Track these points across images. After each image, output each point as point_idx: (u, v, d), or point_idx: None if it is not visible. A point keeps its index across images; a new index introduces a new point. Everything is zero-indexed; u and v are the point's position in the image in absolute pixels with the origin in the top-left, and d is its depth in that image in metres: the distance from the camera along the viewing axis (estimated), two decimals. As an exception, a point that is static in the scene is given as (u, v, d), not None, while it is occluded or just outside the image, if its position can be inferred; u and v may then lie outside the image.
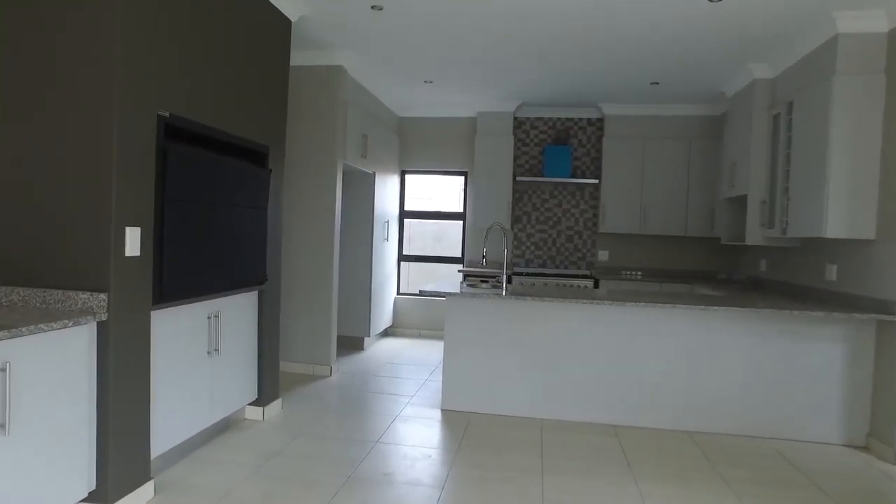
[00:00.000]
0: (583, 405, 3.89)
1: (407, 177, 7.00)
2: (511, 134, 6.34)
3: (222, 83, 3.05)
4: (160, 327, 2.63)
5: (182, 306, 2.80)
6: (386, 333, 6.74)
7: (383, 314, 6.42)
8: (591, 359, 3.88)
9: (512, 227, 6.46)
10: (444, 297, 3.93)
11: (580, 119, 6.52)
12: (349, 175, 5.87)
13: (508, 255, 4.03)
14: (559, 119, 6.54)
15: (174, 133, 2.64)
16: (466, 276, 6.17)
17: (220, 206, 2.99)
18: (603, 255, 6.52)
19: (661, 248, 6.43)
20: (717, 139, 5.92)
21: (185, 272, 2.70)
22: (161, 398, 2.67)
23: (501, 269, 6.36)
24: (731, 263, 6.13)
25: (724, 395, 3.74)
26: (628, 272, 6.40)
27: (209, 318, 3.05)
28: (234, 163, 3.12)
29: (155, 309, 2.56)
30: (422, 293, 3.87)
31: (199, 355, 2.97)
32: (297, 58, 4.74)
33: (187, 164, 2.67)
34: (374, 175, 5.86)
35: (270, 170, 3.53)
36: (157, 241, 2.52)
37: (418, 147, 6.83)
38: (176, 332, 2.77)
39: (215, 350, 3.10)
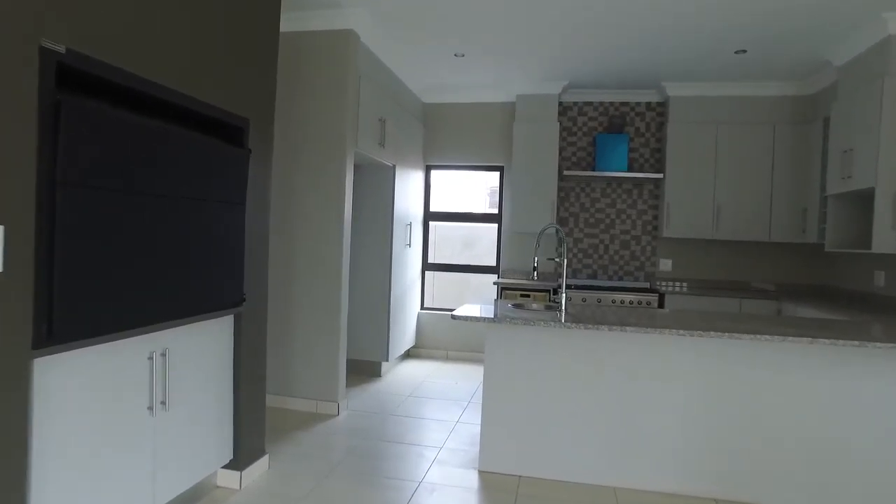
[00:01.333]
0: (673, 470, 2.87)
1: (433, 172, 6.05)
2: (556, 121, 5.35)
3: (172, 18, 2.13)
4: (56, 380, 1.71)
5: (100, 346, 1.88)
6: (407, 355, 5.79)
7: (404, 333, 5.47)
8: (687, 408, 2.86)
9: (556, 232, 5.46)
10: (481, 321, 2.94)
11: (637, 103, 5.49)
12: (363, 168, 4.94)
13: (564, 267, 3.04)
14: (612, 103, 5.53)
15: (75, 81, 1.73)
16: (504, 289, 5.19)
17: (166, 198, 2.07)
18: (665, 265, 5.47)
19: (737, 256, 5.35)
20: (810, 123, 4.84)
21: (96, 296, 1.77)
22: (54, 487, 1.74)
23: (553, 281, 5.36)
24: (827, 275, 5.02)
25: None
26: (697, 285, 5.34)
27: (151, 358, 2.12)
28: (192, 138, 2.21)
29: (42, 355, 1.64)
30: (454, 317, 2.90)
31: (132, 413, 2.05)
32: (297, 20, 3.83)
33: (98, 128, 1.75)
34: (393, 169, 4.92)
35: (249, 150, 2.61)
36: (40, 249, 1.60)
37: (446, 138, 5.88)
38: (88, 384, 1.85)
39: (161, 403, 2.18)
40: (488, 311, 3.06)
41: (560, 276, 5.54)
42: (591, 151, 5.57)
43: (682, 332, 2.63)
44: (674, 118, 5.18)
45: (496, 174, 5.91)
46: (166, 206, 2.08)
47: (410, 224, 5.46)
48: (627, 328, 2.68)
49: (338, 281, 3.87)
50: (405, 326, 5.49)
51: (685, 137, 5.11)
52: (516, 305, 3.29)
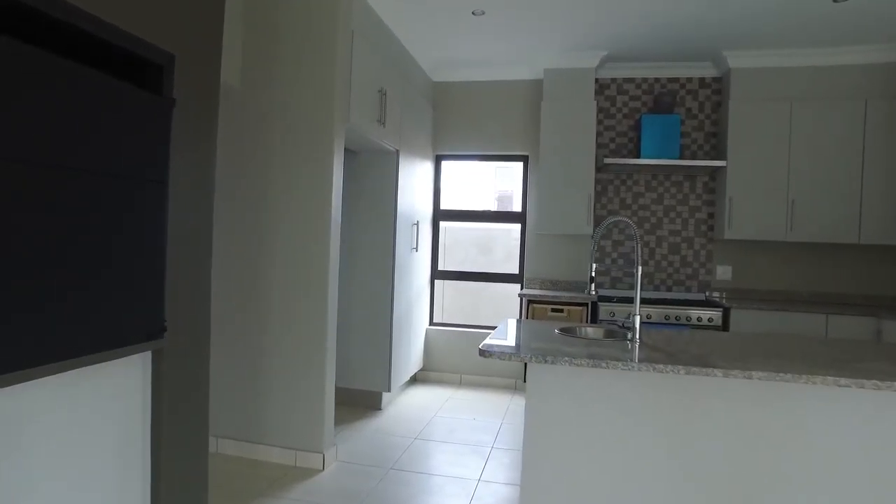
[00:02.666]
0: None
1: (443, 164, 5.15)
2: (592, 99, 4.44)
3: None
4: None
5: None
6: (414, 380, 4.87)
7: (410, 355, 4.56)
8: (821, 487, 1.93)
9: (593, 233, 4.54)
10: (523, 358, 2.01)
11: (689, 79, 4.58)
12: (360, 156, 4.05)
13: (639, 279, 2.09)
14: (658, 79, 4.62)
15: None
16: (531, 302, 4.27)
17: (23, 165, 1.18)
18: (723, 272, 4.54)
19: (817, 262, 4.41)
20: (912, 98, 3.92)
21: None
22: None
23: (582, 291, 4.44)
24: (930, 285, 4.08)
25: None
26: (765, 297, 4.41)
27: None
28: (68, 70, 1.32)
29: None
30: (484, 352, 1.98)
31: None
32: (272, -45, 2.96)
33: None
34: (396, 155, 4.03)
35: (172, 100, 1.71)
36: None
37: (460, 122, 4.98)
38: None
39: (-6, 514, 1.28)
40: (530, 341, 2.15)
41: (599, 285, 4.63)
42: (632, 137, 4.66)
43: (816, 381, 1.70)
44: (737, 95, 4.26)
45: (518, 165, 5.01)
46: (22, 180, 1.20)
47: (417, 224, 4.56)
48: (729, 372, 1.75)
49: (323, 294, 2.98)
50: (411, 347, 4.58)
51: (751, 118, 4.19)
52: (564, 331, 2.38)
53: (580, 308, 4.18)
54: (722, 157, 4.33)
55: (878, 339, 3.77)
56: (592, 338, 2.37)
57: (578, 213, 4.39)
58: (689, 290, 4.58)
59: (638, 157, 4.39)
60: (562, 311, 4.21)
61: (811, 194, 4.12)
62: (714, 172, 4.49)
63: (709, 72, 4.53)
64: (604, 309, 4.12)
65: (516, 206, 5.03)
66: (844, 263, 4.36)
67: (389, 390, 4.06)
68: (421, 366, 4.92)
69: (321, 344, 2.99)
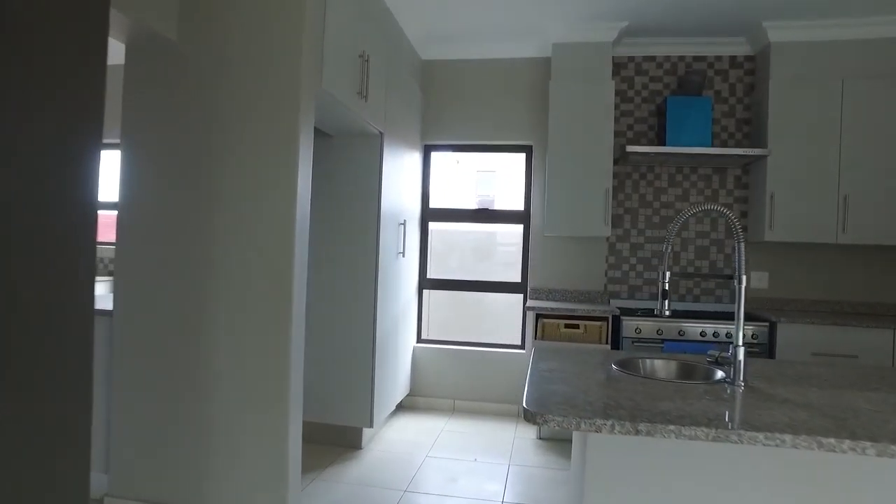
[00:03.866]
0: None
1: (434, 155, 4.47)
2: (610, 79, 3.80)
3: None
4: None
5: None
6: (400, 407, 4.16)
7: (396, 380, 3.85)
8: None
9: (608, 236, 3.89)
10: (589, 425, 1.31)
11: (718, 57, 3.98)
12: (335, 136, 3.35)
13: (741, 292, 1.50)
14: (682, 58, 4.01)
15: None
16: (540, 316, 3.60)
17: None
18: (759, 280, 3.93)
19: (867, 268, 3.83)
20: (983, 77, 3.37)
21: None
22: None
23: (599, 301, 3.78)
24: None
25: None
26: (812, 308, 3.81)
27: None
28: None
29: None
30: (534, 416, 1.27)
31: None
32: None
33: None
34: (381, 139, 3.33)
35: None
36: None
37: (453, 107, 4.30)
38: None
39: None
40: (587, 387, 1.46)
41: (605, 294, 3.98)
42: (653, 123, 4.03)
43: None
44: (777, 74, 3.66)
45: (521, 157, 4.34)
46: None
47: (405, 224, 3.86)
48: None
49: (286, 313, 2.26)
50: (397, 370, 3.86)
51: (794, 101, 3.59)
52: (622, 364, 1.70)
53: (599, 323, 3.52)
54: (757, 146, 3.73)
55: (954, 360, 3.19)
56: (668, 378, 1.69)
57: (594, 211, 3.73)
58: (719, 300, 3.96)
59: (663, 145, 3.76)
60: (577, 326, 3.54)
61: (867, 189, 3.53)
62: (748, 165, 3.89)
63: (741, 49, 3.93)
64: (627, 325, 3.46)
65: (504, 206, 4.36)
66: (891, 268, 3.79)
67: (371, 425, 3.34)
68: (408, 391, 4.21)
69: (283, 373, 2.26)
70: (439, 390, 4.24)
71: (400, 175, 3.73)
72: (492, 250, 4.47)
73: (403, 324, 3.99)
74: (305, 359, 3.26)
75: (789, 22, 3.59)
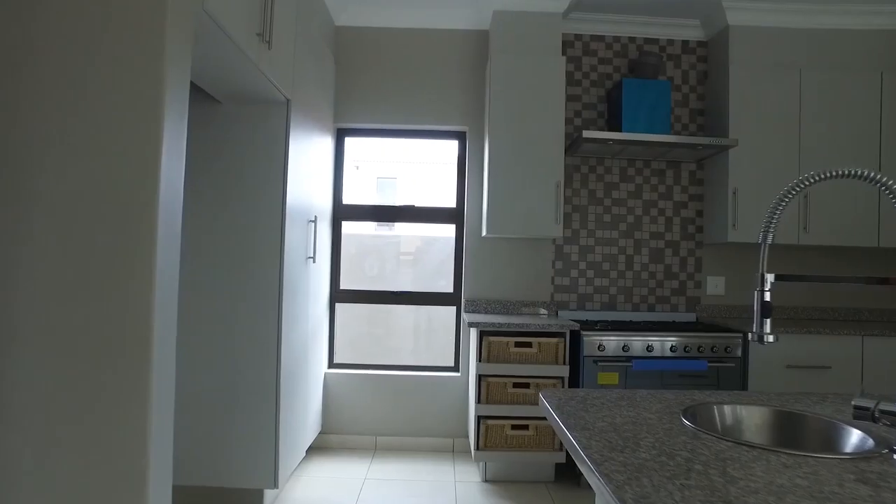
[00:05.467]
0: None
1: (348, 140, 3.72)
2: (560, 55, 3.29)
3: None
4: None
5: None
6: (311, 450, 3.34)
7: (305, 420, 3.04)
8: None
9: (555, 238, 3.35)
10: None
11: (670, 41, 3.61)
12: (225, 103, 2.52)
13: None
14: (633, 39, 3.60)
15: None
16: (485, 333, 2.97)
17: None
18: (714, 286, 3.57)
19: (831, 272, 3.60)
20: (937, 70, 3.24)
21: None
22: None
23: (547, 314, 3.23)
24: (956, 298, 3.39)
25: None
26: (775, 316, 3.50)
27: None
28: None
29: None
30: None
31: None
32: None
33: None
34: (287, 108, 2.55)
35: None
36: None
37: (372, 84, 3.59)
38: None
39: None
40: (652, 472, 0.82)
41: (552, 304, 3.46)
42: (603, 110, 3.57)
43: None
44: (736, 59, 3.33)
45: (454, 144, 3.71)
46: None
47: (315, 221, 3.09)
48: None
49: (145, 340, 1.43)
50: (307, 406, 3.06)
51: (754, 89, 3.28)
52: (691, 415, 1.10)
53: (555, 340, 2.95)
54: (722, 134, 3.37)
55: (926, 368, 2.96)
56: (776, 441, 1.10)
57: (543, 208, 3.18)
58: (675, 308, 3.55)
59: (621, 130, 3.28)
60: (530, 345, 2.95)
61: (826, 188, 3.27)
62: (703, 160, 3.53)
63: (694, 33, 3.58)
64: (588, 341, 2.92)
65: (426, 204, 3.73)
66: (861, 271, 3.59)
67: (276, 485, 2.52)
68: (319, 428, 3.40)
69: (139, 427, 1.43)
70: (358, 426, 3.48)
71: (310, 161, 2.96)
72: (418, 256, 3.79)
73: (314, 346, 3.20)
74: (184, 405, 2.40)
75: (749, 3, 3.27)
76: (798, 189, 1.07)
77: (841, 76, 3.29)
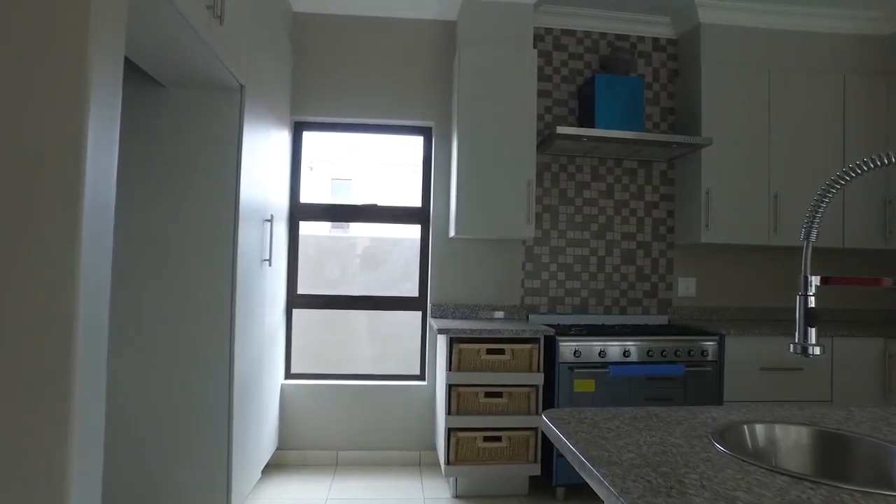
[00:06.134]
0: None
1: (306, 135, 3.48)
2: (531, 47, 3.15)
3: None
4: None
5: None
6: (268, 468, 3.08)
7: (260, 438, 2.80)
8: None
9: (525, 239, 3.20)
10: None
11: (641, 38, 3.54)
12: (170, 87, 2.26)
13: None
14: (604, 35, 3.51)
15: None
16: (456, 340, 2.80)
17: None
18: (686, 287, 3.51)
19: (794, 271, 3.59)
20: (888, 76, 3.28)
21: None
22: None
23: (515, 318, 3.09)
24: (917, 298, 3.44)
25: None
26: (736, 317, 3.47)
27: None
28: None
29: None
30: None
31: None
32: None
33: None
34: (241, 95, 2.31)
35: None
36: None
37: (333, 76, 3.37)
38: None
39: None
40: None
41: (522, 307, 3.32)
42: (574, 106, 3.46)
43: None
44: (708, 58, 3.28)
45: (418, 140, 3.53)
46: None
47: (272, 221, 2.85)
48: None
49: (64, 364, 1.19)
50: (262, 422, 2.81)
51: (726, 88, 3.24)
52: (724, 437, 0.96)
53: (529, 346, 2.80)
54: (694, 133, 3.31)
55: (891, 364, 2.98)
56: (821, 471, 0.97)
57: (514, 207, 3.04)
58: (647, 311, 3.47)
59: (594, 126, 3.17)
60: (503, 352, 2.80)
61: (795, 187, 3.26)
62: (674, 159, 3.47)
63: (664, 30, 3.52)
64: (564, 347, 2.79)
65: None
66: (829, 272, 3.60)
67: (228, 512, 2.27)
68: (276, 445, 3.15)
69: (59, 461, 1.19)
70: (318, 440, 3.25)
71: (266, 155, 2.72)
72: (381, 258, 3.58)
73: (269, 356, 2.95)
74: (123, 428, 2.13)
75: (721, 2, 3.22)
76: (843, 182, 0.94)
77: (808, 78, 3.29)
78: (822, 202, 0.93)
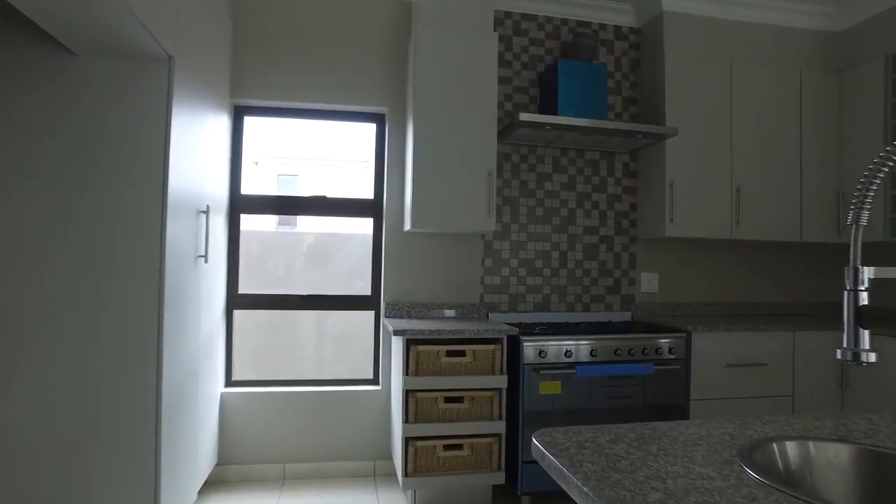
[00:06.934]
0: None
1: (248, 121, 3.19)
2: (492, 29, 2.97)
3: None
4: None
5: None
6: (208, 485, 2.78)
7: (197, 454, 2.50)
8: None
9: (485, 233, 3.02)
10: None
11: (603, 26, 3.42)
12: (82, 56, 1.95)
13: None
14: (566, 21, 3.37)
15: None
16: (413, 342, 2.59)
17: None
18: (648, 283, 3.42)
19: (763, 267, 3.57)
20: (841, 72, 3.28)
21: None
22: None
23: (477, 317, 2.91)
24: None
25: None
26: (697, 312, 3.41)
27: None
28: None
29: None
30: None
31: None
32: None
33: None
34: (169, 68, 2.03)
35: None
36: None
37: (277, 57, 3.09)
38: None
39: None
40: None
41: (481, 306, 3.17)
42: (535, 94, 3.31)
43: None
44: (672, 47, 3.19)
45: (371, 126, 3.29)
46: None
47: (207, 213, 2.56)
48: None
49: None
50: (198, 437, 2.52)
51: (689, 79, 3.16)
52: (751, 458, 0.80)
53: (492, 347, 2.63)
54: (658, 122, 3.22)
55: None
56: (865, 498, 0.82)
57: (474, 199, 2.85)
58: (610, 308, 3.36)
59: (556, 113, 3.02)
60: (463, 353, 2.61)
61: (756, 180, 3.22)
62: (636, 151, 3.37)
63: (626, 18, 3.41)
64: (528, 348, 2.63)
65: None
66: (788, 266, 3.59)
67: (156, 543, 1.99)
68: (216, 459, 2.86)
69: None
70: (262, 453, 2.97)
71: (201, 139, 2.43)
72: (330, 254, 3.32)
73: (206, 362, 2.66)
74: (25, 451, 1.83)
75: (685, -14, 3.14)
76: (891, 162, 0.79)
77: (768, 71, 3.25)
78: (878, 175, 0.77)
